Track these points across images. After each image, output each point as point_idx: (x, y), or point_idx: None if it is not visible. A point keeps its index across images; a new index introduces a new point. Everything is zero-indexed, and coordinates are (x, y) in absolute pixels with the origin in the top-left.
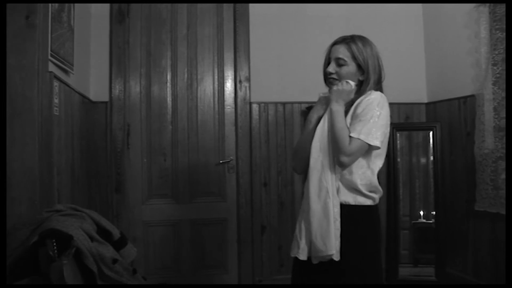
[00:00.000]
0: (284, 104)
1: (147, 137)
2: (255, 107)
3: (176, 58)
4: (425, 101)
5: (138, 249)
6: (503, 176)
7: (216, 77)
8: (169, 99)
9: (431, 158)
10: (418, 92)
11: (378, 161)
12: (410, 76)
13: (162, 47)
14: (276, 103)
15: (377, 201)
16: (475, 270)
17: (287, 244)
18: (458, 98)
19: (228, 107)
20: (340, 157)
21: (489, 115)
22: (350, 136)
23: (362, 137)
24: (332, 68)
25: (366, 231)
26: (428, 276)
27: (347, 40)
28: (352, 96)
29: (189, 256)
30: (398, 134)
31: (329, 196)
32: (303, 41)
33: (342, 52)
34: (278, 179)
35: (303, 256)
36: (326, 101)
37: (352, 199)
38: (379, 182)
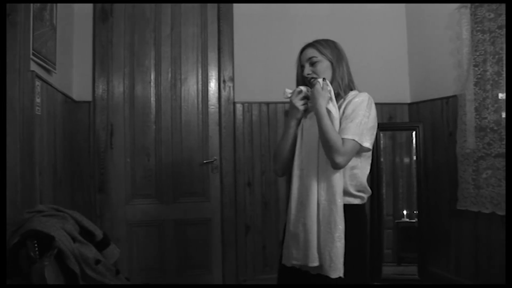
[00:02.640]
0: (268, 104)
1: (131, 137)
2: (239, 107)
3: (159, 58)
4: (408, 101)
5: (121, 249)
6: (484, 175)
7: (200, 77)
8: (152, 99)
9: (414, 157)
10: (401, 92)
11: (367, 162)
12: (393, 77)
13: (146, 46)
14: (260, 103)
15: (365, 200)
16: (457, 268)
17: (271, 244)
18: (441, 99)
19: (212, 107)
20: (336, 158)
21: (471, 115)
22: (343, 138)
23: (356, 138)
24: (307, 70)
25: (353, 230)
26: (411, 274)
27: (311, 44)
28: (331, 92)
29: (172, 256)
30: (381, 134)
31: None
32: (287, 41)
33: (310, 52)
34: (262, 179)
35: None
36: (295, 104)
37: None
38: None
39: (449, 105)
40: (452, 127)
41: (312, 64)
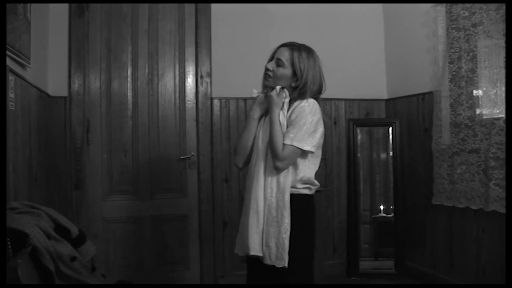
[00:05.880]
0: (245, 99)
1: (107, 133)
2: (216, 102)
3: (136, 53)
4: (385, 97)
5: (98, 246)
6: (459, 170)
7: (177, 72)
8: (129, 94)
9: (391, 153)
10: (378, 88)
11: (314, 161)
12: (371, 73)
13: (123, 41)
14: (237, 99)
15: (313, 191)
16: (432, 262)
17: None
18: (417, 95)
19: (189, 102)
20: (275, 162)
21: (446, 112)
22: (284, 143)
23: (295, 143)
24: (271, 65)
25: (300, 220)
26: (388, 269)
27: (294, 47)
28: (286, 101)
29: (150, 252)
30: (358, 130)
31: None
32: (264, 38)
33: (284, 55)
34: (239, 174)
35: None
36: (263, 102)
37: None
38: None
39: (425, 101)
40: (428, 123)
41: (278, 65)
